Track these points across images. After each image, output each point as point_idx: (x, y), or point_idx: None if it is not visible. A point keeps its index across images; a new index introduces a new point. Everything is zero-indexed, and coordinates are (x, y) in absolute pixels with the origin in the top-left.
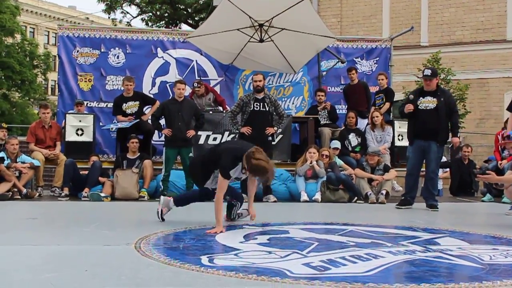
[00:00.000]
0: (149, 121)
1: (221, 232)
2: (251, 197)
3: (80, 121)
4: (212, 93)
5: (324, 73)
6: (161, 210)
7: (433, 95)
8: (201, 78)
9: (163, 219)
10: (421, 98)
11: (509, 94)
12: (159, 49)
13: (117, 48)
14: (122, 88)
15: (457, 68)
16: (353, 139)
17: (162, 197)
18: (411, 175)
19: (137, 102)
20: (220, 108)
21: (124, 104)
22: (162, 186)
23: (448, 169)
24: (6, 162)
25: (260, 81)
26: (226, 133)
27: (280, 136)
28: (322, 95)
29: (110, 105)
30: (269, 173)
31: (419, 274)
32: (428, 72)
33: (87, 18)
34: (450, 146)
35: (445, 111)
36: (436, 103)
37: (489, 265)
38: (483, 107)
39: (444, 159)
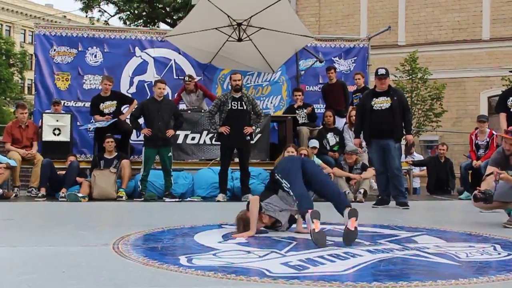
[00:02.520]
0: (127, 121)
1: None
2: None
3: (57, 120)
4: (201, 90)
5: (303, 72)
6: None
7: (386, 95)
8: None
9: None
10: (374, 98)
11: (485, 93)
12: (137, 48)
13: (94, 47)
14: (100, 87)
15: (433, 67)
16: (331, 138)
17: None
18: (381, 174)
19: (115, 102)
20: (206, 107)
21: (102, 104)
22: (140, 186)
23: (425, 168)
24: None
25: (239, 80)
26: (205, 132)
27: (259, 135)
28: (299, 95)
29: (88, 104)
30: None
31: (397, 272)
32: (382, 71)
33: (64, 16)
34: (404, 143)
35: (399, 109)
36: (390, 102)
37: (465, 262)
38: (459, 106)
39: (421, 157)
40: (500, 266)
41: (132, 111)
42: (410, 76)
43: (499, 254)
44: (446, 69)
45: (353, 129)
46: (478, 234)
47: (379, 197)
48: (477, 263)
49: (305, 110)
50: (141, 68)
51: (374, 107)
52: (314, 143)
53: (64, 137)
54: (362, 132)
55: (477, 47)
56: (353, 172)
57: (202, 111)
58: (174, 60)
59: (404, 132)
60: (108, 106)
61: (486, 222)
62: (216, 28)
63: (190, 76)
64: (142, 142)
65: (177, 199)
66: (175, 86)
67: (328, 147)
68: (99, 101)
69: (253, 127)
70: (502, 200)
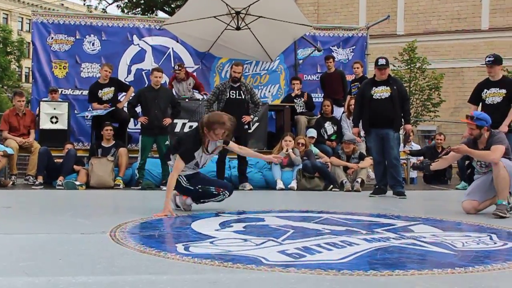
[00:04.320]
0: (125, 109)
1: (170, 215)
2: (255, 154)
3: (54, 108)
4: (192, 78)
5: (301, 61)
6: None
7: (385, 84)
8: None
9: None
10: (374, 88)
11: None
12: (135, 36)
13: (92, 35)
14: (98, 75)
15: (432, 57)
16: (329, 128)
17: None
18: (378, 163)
19: (112, 88)
20: (197, 96)
21: (100, 91)
22: (137, 174)
23: (421, 158)
24: None
25: (239, 72)
26: None
27: (257, 124)
28: (297, 83)
29: (85, 92)
30: (226, 118)
31: (393, 261)
32: (383, 61)
33: (62, 4)
34: (403, 133)
35: (399, 99)
36: (390, 92)
37: (461, 251)
38: (457, 96)
39: (418, 147)
40: (496, 256)
41: (129, 99)
42: (409, 66)
43: (495, 243)
44: (445, 59)
45: (352, 118)
46: (474, 223)
47: (376, 186)
48: (473, 252)
49: (303, 99)
50: (139, 56)
51: (373, 96)
52: (312, 132)
53: (62, 125)
54: (361, 121)
55: (476, 37)
56: (351, 161)
57: (200, 99)
58: (172, 48)
59: (403, 122)
60: (107, 93)
61: (482, 212)
62: (214, 17)
63: (180, 65)
64: (139, 131)
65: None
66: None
67: (325, 136)
68: (97, 88)
69: (251, 116)
70: (487, 198)
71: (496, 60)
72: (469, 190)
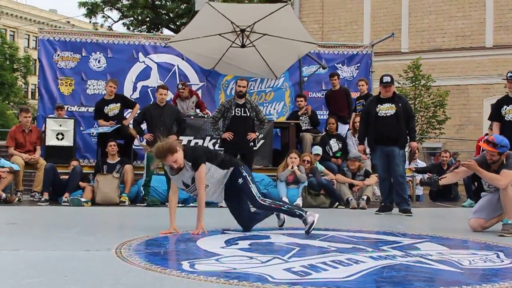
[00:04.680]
0: (131, 126)
1: (175, 233)
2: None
3: (60, 125)
4: (195, 97)
5: (306, 78)
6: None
7: (391, 102)
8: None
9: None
10: (379, 105)
11: (488, 101)
12: (140, 53)
13: (98, 53)
14: (104, 92)
15: (437, 74)
16: (334, 145)
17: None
18: (384, 180)
19: (118, 104)
20: (201, 113)
21: (106, 107)
22: (143, 191)
23: (427, 175)
24: None
25: (244, 87)
26: (208, 138)
27: (262, 141)
28: (302, 101)
29: (91, 109)
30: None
31: (400, 279)
32: (388, 79)
33: (68, 22)
34: (408, 150)
35: (404, 116)
36: (395, 109)
37: (468, 269)
38: (462, 113)
39: (424, 164)
40: (504, 274)
41: (135, 115)
42: (413, 83)
43: (502, 261)
44: (449, 76)
45: (357, 136)
46: (481, 241)
47: (382, 203)
48: (480, 271)
49: (307, 115)
50: (145, 74)
51: (379, 114)
52: (317, 149)
53: (68, 142)
54: (366, 138)
55: (480, 54)
56: (356, 178)
57: (205, 116)
58: (178, 65)
59: (408, 139)
60: (112, 109)
61: (489, 229)
62: (219, 34)
63: (183, 84)
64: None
65: (179, 205)
66: None
67: (331, 154)
68: (104, 104)
69: (257, 133)
70: (493, 216)
71: None
72: (476, 208)
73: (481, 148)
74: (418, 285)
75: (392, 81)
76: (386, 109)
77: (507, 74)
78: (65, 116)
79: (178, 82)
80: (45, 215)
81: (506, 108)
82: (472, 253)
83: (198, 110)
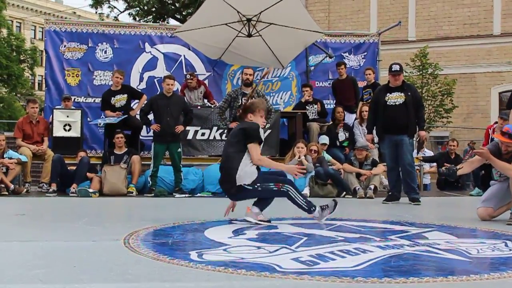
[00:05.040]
0: (137, 117)
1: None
2: (275, 165)
3: (67, 116)
4: (203, 86)
5: (312, 68)
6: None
7: (400, 90)
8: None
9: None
10: (388, 94)
11: (496, 89)
12: (146, 44)
13: (104, 43)
14: (110, 83)
15: (444, 63)
16: (341, 134)
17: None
18: (392, 170)
19: (125, 95)
20: (208, 103)
21: (113, 98)
22: (150, 182)
23: (435, 164)
24: None
25: (250, 74)
26: (215, 128)
27: (269, 131)
28: (307, 91)
29: (98, 100)
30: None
31: (408, 268)
32: (397, 67)
33: (74, 12)
34: (416, 139)
35: (413, 105)
36: (404, 98)
37: (476, 258)
38: (470, 101)
39: (431, 153)
40: None
41: (141, 106)
42: (421, 72)
43: (510, 250)
44: (457, 65)
45: (365, 125)
46: (489, 230)
47: (389, 193)
48: (488, 259)
49: (315, 106)
50: (151, 64)
51: (388, 103)
52: (324, 139)
53: (75, 132)
54: (375, 127)
55: (488, 42)
56: (363, 168)
57: (212, 106)
58: (184, 56)
59: (417, 128)
60: (119, 100)
61: (497, 218)
62: (225, 24)
63: (191, 74)
64: (152, 138)
65: (187, 195)
66: None
67: (338, 143)
68: (110, 95)
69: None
70: (502, 204)
71: None
72: (484, 197)
73: (490, 137)
74: (426, 274)
75: (401, 69)
76: (395, 98)
77: None
78: (72, 107)
79: (185, 72)
80: (53, 206)
81: None
82: (480, 242)
83: (205, 100)
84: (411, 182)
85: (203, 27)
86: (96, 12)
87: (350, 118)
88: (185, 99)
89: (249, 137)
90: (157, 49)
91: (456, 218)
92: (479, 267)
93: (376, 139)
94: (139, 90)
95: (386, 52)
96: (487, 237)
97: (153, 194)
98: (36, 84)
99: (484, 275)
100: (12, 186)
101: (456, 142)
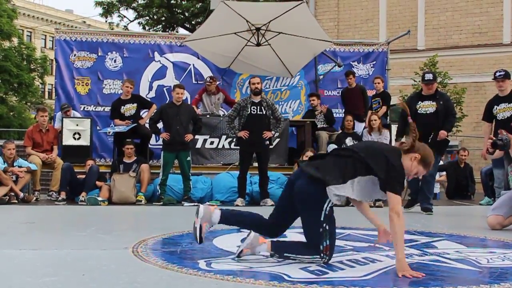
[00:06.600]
0: (147, 125)
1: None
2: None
3: (77, 125)
4: (222, 94)
5: (321, 76)
6: (200, 226)
7: (432, 99)
8: (198, 81)
9: (201, 240)
10: (419, 102)
11: None
12: (156, 53)
13: (114, 52)
14: (120, 92)
15: (453, 71)
16: (350, 143)
17: (201, 206)
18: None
19: (135, 104)
20: (220, 112)
21: (122, 107)
22: (159, 190)
23: (444, 173)
24: (2, 166)
25: (258, 83)
26: (224, 137)
27: (278, 140)
28: (314, 100)
29: (107, 109)
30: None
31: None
32: (429, 76)
33: (84, 22)
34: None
35: (444, 114)
36: (435, 107)
37: (486, 268)
38: (480, 110)
39: (440, 162)
40: None
41: (151, 115)
42: None
43: None
44: (466, 74)
45: (374, 134)
46: (499, 239)
47: (409, 197)
48: (499, 269)
49: (322, 112)
50: (160, 73)
51: (418, 111)
52: (333, 147)
53: (84, 141)
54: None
55: (497, 51)
56: None
57: (221, 115)
58: (193, 64)
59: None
60: (129, 109)
61: (507, 228)
62: (235, 33)
63: (212, 78)
64: (161, 147)
65: (196, 203)
66: (194, 90)
67: None
68: (120, 104)
69: (272, 132)
70: None
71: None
72: (495, 205)
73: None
74: (435, 284)
75: (434, 78)
76: (427, 107)
77: (495, 73)
78: (80, 116)
79: (194, 80)
80: (62, 214)
81: (496, 108)
82: (490, 251)
83: (222, 108)
84: (427, 192)
85: (212, 36)
86: (106, 21)
87: (359, 127)
88: (201, 104)
89: (392, 181)
90: (166, 58)
91: (465, 227)
92: (489, 277)
93: None
94: (149, 100)
95: (395, 61)
96: (497, 247)
97: (162, 203)
98: (46, 93)
99: (494, 285)
100: (21, 195)
101: (467, 152)
